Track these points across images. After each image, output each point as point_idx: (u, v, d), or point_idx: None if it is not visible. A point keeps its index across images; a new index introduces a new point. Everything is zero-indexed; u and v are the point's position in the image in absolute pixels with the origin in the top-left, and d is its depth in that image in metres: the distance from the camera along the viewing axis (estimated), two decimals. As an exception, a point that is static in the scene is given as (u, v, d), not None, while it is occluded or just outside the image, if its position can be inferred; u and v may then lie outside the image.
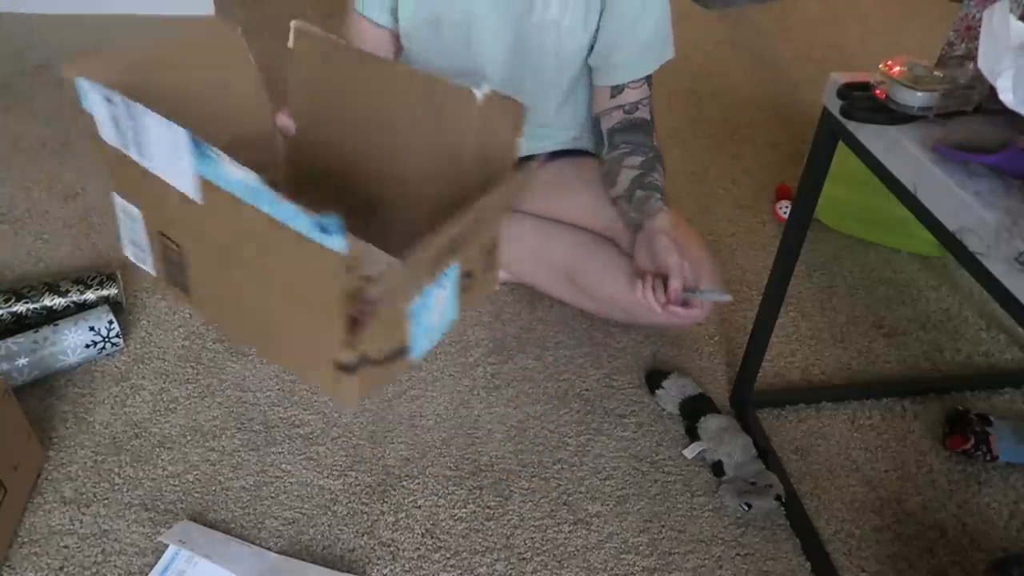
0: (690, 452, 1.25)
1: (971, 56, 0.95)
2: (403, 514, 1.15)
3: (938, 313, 1.58)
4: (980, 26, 0.80)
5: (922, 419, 1.36)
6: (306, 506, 1.15)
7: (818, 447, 1.30)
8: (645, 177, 1.06)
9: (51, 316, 1.35)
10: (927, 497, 1.23)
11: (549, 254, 1.36)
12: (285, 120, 1.00)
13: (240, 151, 0.84)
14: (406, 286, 0.80)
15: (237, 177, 0.73)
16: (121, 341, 1.34)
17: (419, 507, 1.16)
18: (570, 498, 1.19)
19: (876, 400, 1.38)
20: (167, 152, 0.78)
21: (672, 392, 1.32)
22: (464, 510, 1.17)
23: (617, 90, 1.15)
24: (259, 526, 1.12)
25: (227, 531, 1.11)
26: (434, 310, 0.88)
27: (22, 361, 1.25)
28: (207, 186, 0.77)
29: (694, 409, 1.29)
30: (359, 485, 1.19)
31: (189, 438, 1.23)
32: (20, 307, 1.34)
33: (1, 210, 1.66)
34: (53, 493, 1.14)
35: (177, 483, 1.17)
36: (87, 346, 1.30)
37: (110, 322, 1.31)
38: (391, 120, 0.97)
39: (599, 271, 1.31)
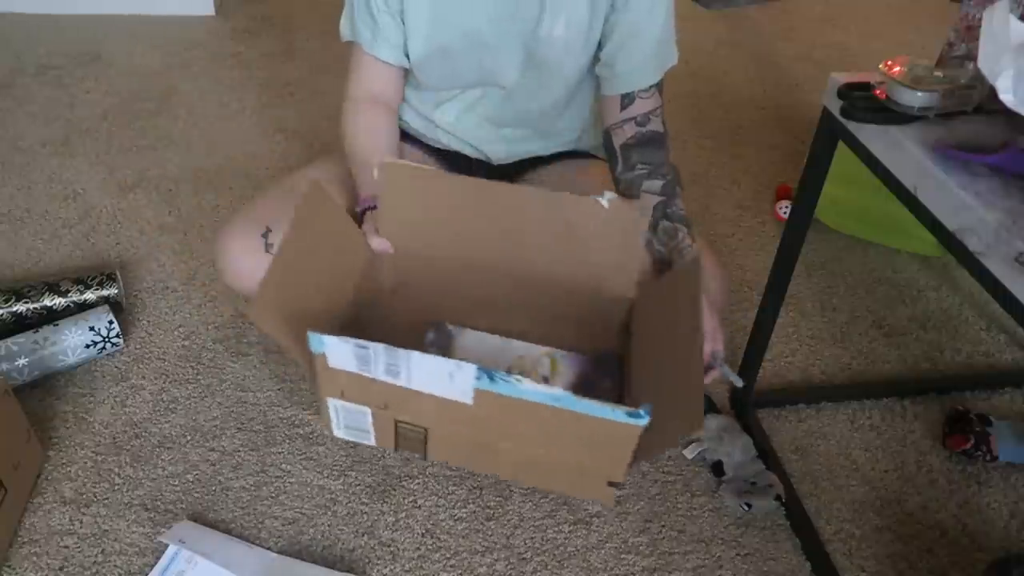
0: (690, 452, 1.25)
1: (971, 56, 0.95)
2: (403, 514, 1.15)
3: (938, 313, 1.58)
4: (980, 26, 0.80)
5: (922, 419, 1.36)
6: (306, 506, 1.15)
7: (818, 447, 1.30)
8: (668, 206, 1.05)
9: (51, 316, 1.35)
10: (927, 497, 1.23)
11: None
12: (380, 243, 1.02)
13: (363, 292, 1.00)
14: None
15: (542, 391, 0.76)
16: (121, 341, 1.34)
17: (419, 507, 1.16)
18: (570, 498, 1.19)
19: (876, 400, 1.38)
20: (439, 379, 0.79)
21: (672, 392, 1.32)
22: (464, 510, 1.17)
23: (628, 100, 1.14)
24: (259, 526, 1.12)
25: (227, 531, 1.11)
26: None
27: (22, 361, 1.25)
28: (484, 393, 0.79)
29: (694, 409, 1.29)
30: (359, 485, 1.19)
31: (189, 438, 1.23)
32: (20, 307, 1.34)
33: (1, 210, 1.66)
34: (53, 493, 1.14)
35: (177, 483, 1.17)
36: (87, 346, 1.30)
37: (110, 322, 1.31)
38: (518, 232, 1.03)
39: None
